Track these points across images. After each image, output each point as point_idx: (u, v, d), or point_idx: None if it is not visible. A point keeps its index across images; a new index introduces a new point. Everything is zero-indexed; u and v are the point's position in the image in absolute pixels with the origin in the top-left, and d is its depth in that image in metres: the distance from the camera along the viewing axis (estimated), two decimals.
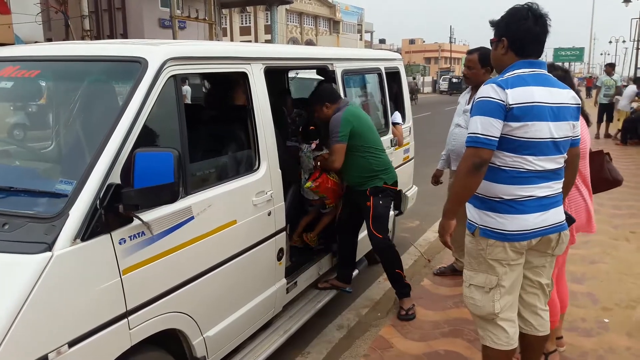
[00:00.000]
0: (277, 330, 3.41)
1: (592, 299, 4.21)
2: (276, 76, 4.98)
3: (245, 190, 2.95)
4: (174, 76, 2.50)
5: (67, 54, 2.77)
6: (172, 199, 2.22)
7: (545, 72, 2.49)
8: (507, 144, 2.38)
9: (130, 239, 2.21)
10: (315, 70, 4.45)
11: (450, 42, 70.55)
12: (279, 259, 3.30)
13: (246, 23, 46.81)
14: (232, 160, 3.18)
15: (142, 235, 2.25)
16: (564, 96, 2.47)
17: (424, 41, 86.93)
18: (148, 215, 2.24)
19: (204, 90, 4.23)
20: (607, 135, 14.19)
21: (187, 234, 2.50)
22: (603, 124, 14.22)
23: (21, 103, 3.06)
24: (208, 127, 3.28)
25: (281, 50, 3.86)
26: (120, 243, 2.16)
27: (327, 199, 4.03)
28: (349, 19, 58.76)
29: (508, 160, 2.41)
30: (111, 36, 19.28)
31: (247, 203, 2.95)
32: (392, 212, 5.01)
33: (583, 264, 4.92)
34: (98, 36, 17.99)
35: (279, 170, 3.24)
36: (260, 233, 3.08)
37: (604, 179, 3.27)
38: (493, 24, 2.58)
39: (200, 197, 2.59)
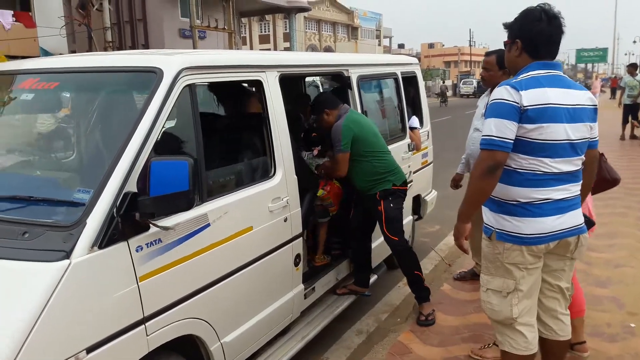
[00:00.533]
0: (295, 336, 3.41)
1: (618, 303, 4.11)
2: (293, 82, 5.00)
3: (261, 197, 2.96)
4: (189, 85, 2.53)
5: (84, 65, 2.82)
6: (188, 207, 2.25)
7: (560, 73, 2.46)
8: (522, 146, 2.36)
9: (147, 246, 2.24)
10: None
11: (470, 45, 70.09)
12: (296, 264, 3.30)
13: (265, 31, 47.24)
14: (247, 167, 3.19)
15: (158, 243, 2.28)
16: (580, 97, 2.44)
17: (443, 45, 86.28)
18: (166, 222, 2.27)
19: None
20: (633, 137, 13.89)
21: (203, 240, 2.52)
22: (628, 125, 13.92)
23: (41, 114, 3.13)
24: (224, 135, 3.31)
25: (296, 58, 3.88)
26: (137, 250, 2.19)
27: (332, 206, 4.02)
28: (367, 25, 58.75)
29: (524, 162, 2.39)
30: (133, 47, 19.58)
31: (263, 209, 2.97)
32: (410, 217, 4.99)
33: (608, 268, 4.82)
34: (120, 47, 18.31)
35: (295, 176, 3.26)
36: (276, 239, 3.09)
37: (603, 179, 3.22)
38: (507, 26, 2.56)
39: (216, 204, 2.61)
